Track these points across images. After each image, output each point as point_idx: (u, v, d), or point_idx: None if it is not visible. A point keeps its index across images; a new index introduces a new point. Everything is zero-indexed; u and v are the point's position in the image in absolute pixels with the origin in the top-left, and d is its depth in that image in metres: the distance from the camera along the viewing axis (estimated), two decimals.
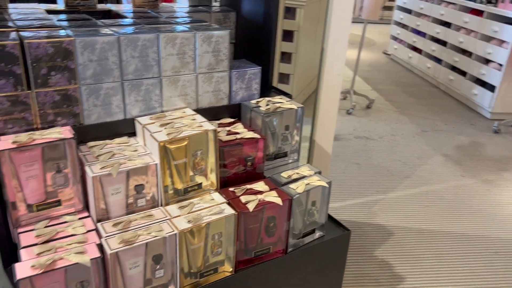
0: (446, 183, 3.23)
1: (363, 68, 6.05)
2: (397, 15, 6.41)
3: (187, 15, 1.72)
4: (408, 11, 6.16)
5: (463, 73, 4.93)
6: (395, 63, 6.49)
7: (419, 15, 5.91)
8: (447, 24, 5.29)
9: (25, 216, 1.19)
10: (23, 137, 1.14)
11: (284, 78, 4.21)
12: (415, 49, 5.97)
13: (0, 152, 1.09)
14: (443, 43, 5.33)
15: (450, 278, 2.28)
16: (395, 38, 6.53)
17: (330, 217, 1.66)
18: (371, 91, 5.16)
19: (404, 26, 6.30)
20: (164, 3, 1.98)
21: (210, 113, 1.54)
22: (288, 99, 1.62)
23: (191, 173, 1.34)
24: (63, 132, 1.20)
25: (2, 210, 1.22)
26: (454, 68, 5.13)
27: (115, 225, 1.20)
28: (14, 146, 1.11)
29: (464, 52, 4.95)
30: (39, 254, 1.07)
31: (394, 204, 2.93)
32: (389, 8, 8.81)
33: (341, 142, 3.80)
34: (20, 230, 1.17)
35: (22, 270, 1.02)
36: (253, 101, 1.59)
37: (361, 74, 5.77)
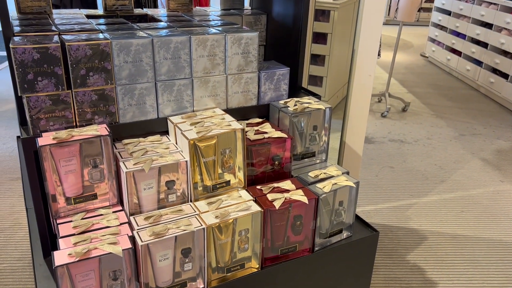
0: (483, 188, 3.14)
1: (399, 71, 5.95)
2: (435, 17, 6.27)
3: (218, 18, 1.77)
4: (447, 13, 6.01)
5: (505, 76, 4.77)
6: (432, 65, 6.34)
7: (458, 16, 5.75)
8: (488, 25, 5.13)
9: (63, 208, 1.26)
10: (63, 133, 1.22)
11: (317, 80, 4.21)
12: (454, 51, 5.81)
13: (41, 148, 1.17)
14: (483, 44, 5.17)
15: (484, 285, 2.22)
16: (433, 40, 6.38)
17: (358, 218, 1.66)
18: (407, 94, 5.07)
19: (442, 27, 6.15)
20: (197, 7, 2.04)
21: (239, 113, 1.57)
22: (317, 100, 1.64)
23: (219, 171, 1.38)
24: (100, 129, 1.27)
25: (43, 203, 1.30)
26: (495, 71, 4.97)
27: (146, 218, 1.26)
28: (54, 142, 1.19)
29: (506, 53, 4.78)
30: (75, 244, 1.14)
31: (428, 208, 2.87)
32: (427, 10, 8.62)
33: (375, 145, 3.76)
34: (59, 221, 1.24)
35: (60, 257, 1.09)
36: (282, 102, 1.62)
37: (397, 77, 5.68)
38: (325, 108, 1.58)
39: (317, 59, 4.18)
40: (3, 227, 2.49)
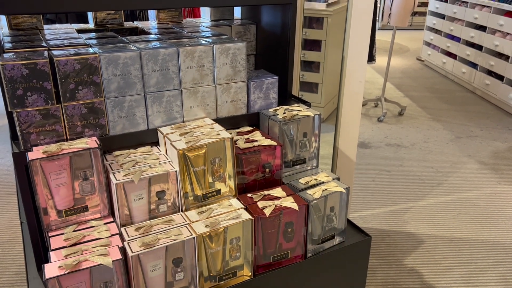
0: (480, 190, 3.14)
1: (395, 75, 5.98)
2: (430, 21, 6.31)
3: (208, 29, 1.79)
4: (441, 16, 6.05)
5: (500, 77, 4.79)
6: (428, 69, 6.37)
7: (452, 19, 5.79)
8: (481, 28, 5.16)
9: (55, 221, 1.27)
10: (53, 147, 1.23)
11: (313, 87, 4.23)
12: (449, 54, 5.84)
13: (31, 162, 1.19)
14: (478, 47, 5.20)
15: (482, 287, 2.21)
16: (428, 44, 6.42)
17: (351, 223, 1.67)
18: (404, 98, 5.09)
19: (437, 31, 6.19)
20: (188, 19, 2.07)
21: (230, 122, 1.59)
22: (306, 107, 1.66)
23: (210, 180, 1.40)
24: (89, 142, 1.29)
25: (36, 216, 1.31)
26: (490, 73, 4.99)
27: (137, 229, 1.27)
28: (44, 155, 1.20)
29: (501, 55, 4.80)
30: (66, 256, 1.15)
31: (425, 212, 2.87)
32: (422, 14, 8.67)
33: (372, 149, 3.77)
34: (51, 234, 1.26)
35: (50, 270, 1.10)
36: (271, 110, 1.63)
37: (393, 81, 5.70)
38: (314, 115, 1.60)
39: (312, 66, 4.20)
40: (1, 241, 2.50)
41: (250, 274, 1.40)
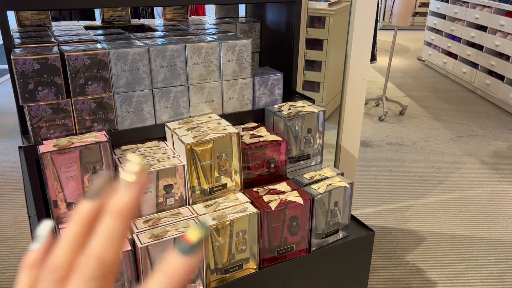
0: (481, 188, 3.17)
1: (396, 75, 6.00)
2: (431, 21, 6.34)
3: (213, 26, 1.81)
4: (442, 16, 6.08)
5: (500, 77, 4.81)
6: (429, 69, 6.39)
7: (453, 19, 5.82)
8: (482, 28, 5.18)
9: (65, 213, 1.29)
10: (63, 141, 1.26)
11: (314, 86, 4.26)
12: (450, 54, 5.87)
13: (43, 154, 1.21)
14: (479, 47, 5.23)
15: (484, 284, 2.24)
16: (429, 44, 6.44)
17: (354, 219, 1.69)
18: (404, 98, 5.11)
19: (438, 31, 6.21)
20: (193, 16, 2.09)
21: (235, 118, 1.61)
22: (310, 104, 1.68)
23: (216, 174, 1.42)
24: (99, 136, 1.31)
25: (45, 210, 1.33)
26: (491, 72, 5.02)
27: (145, 221, 1.29)
28: (55, 149, 1.23)
29: (501, 55, 4.83)
30: None
31: (427, 209, 2.90)
32: (423, 14, 8.70)
33: (373, 148, 3.80)
34: (60, 226, 1.28)
35: None
36: (276, 106, 1.66)
37: (394, 81, 5.73)
38: (319, 111, 1.62)
39: (314, 65, 4.23)
40: (5, 237, 2.52)
41: (255, 267, 1.43)
